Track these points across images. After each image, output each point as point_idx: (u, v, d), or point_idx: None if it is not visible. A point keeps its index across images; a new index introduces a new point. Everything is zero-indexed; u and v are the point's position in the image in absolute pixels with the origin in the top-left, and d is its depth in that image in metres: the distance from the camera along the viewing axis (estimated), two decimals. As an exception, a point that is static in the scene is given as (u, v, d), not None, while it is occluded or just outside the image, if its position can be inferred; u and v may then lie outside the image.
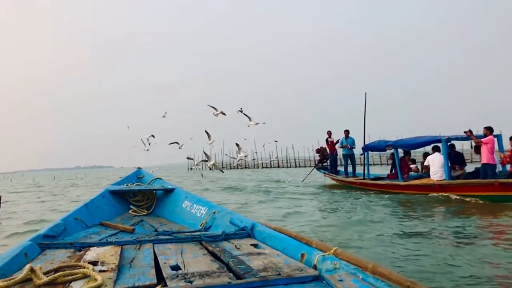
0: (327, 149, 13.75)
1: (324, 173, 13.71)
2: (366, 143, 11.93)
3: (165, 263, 1.96)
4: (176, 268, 1.88)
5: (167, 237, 2.69)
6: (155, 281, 1.68)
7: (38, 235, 2.45)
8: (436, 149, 9.13)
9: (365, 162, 11.48)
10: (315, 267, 1.84)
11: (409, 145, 10.07)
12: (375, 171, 14.12)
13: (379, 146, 11.19)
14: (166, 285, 1.63)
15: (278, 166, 45.18)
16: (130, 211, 4.17)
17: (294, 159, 47.24)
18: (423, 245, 4.43)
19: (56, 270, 1.78)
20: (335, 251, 1.91)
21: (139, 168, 5.40)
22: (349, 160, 12.95)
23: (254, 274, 1.72)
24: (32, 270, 1.62)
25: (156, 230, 3.26)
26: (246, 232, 2.63)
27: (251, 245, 2.34)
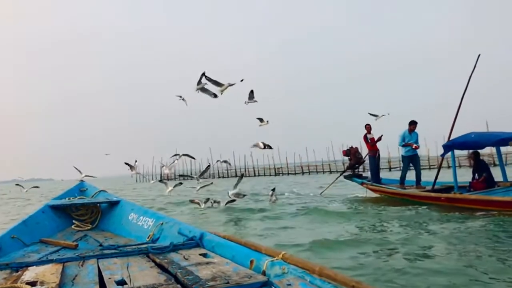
0: (366, 149, 10.08)
1: (362, 182, 9.78)
2: (449, 138, 7.70)
3: (110, 278, 1.89)
4: (121, 283, 1.82)
5: (113, 251, 2.59)
6: None
7: None
8: None
9: (447, 166, 7.88)
10: (264, 273, 1.87)
11: None
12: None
13: (481, 141, 7.00)
14: None
15: (255, 175, 45.06)
16: (73, 226, 3.96)
17: (275, 166, 46.99)
18: None
19: (-11, 294, 1.65)
20: (283, 255, 1.95)
21: (81, 180, 5.18)
22: (410, 165, 8.97)
23: (202, 284, 1.71)
24: (-40, 295, 1.49)
25: (101, 245, 3.13)
26: (195, 242, 2.60)
27: (200, 254, 2.33)
